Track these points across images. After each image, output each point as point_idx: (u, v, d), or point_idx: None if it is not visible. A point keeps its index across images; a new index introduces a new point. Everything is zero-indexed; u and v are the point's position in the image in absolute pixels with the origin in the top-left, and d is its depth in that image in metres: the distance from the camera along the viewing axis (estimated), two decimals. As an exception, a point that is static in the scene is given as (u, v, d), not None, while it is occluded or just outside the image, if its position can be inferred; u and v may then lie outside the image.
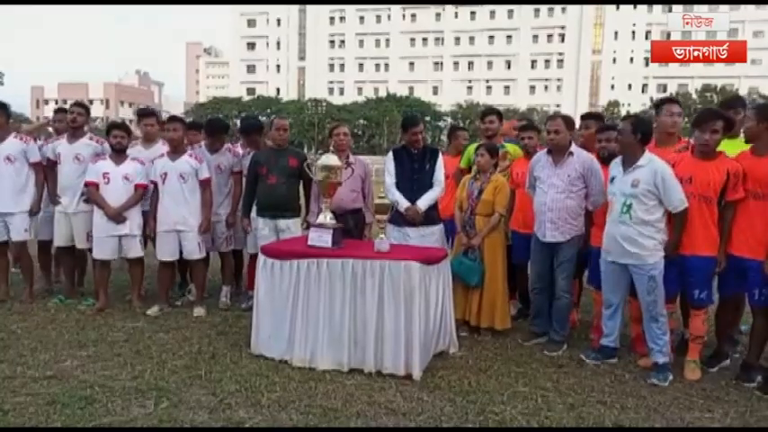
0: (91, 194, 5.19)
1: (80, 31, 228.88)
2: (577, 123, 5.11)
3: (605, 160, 4.39)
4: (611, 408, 3.46)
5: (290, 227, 4.96)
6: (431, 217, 4.77)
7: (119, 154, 5.23)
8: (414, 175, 4.78)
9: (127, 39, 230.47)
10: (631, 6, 67.18)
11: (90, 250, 5.42)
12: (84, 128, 5.55)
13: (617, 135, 4.10)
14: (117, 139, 5.21)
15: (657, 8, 67.36)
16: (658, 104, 5.03)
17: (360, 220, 5.03)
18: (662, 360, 3.94)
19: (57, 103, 51.11)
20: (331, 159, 4.38)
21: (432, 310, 4.02)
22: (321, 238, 4.13)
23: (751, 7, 58.46)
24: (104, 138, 5.47)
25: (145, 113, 5.97)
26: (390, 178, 4.82)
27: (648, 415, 3.39)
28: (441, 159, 4.86)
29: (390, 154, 4.94)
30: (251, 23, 78.77)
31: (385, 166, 4.91)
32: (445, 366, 4.04)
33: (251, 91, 72.28)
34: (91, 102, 63.42)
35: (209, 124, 5.78)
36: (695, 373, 3.95)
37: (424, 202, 4.70)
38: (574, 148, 4.41)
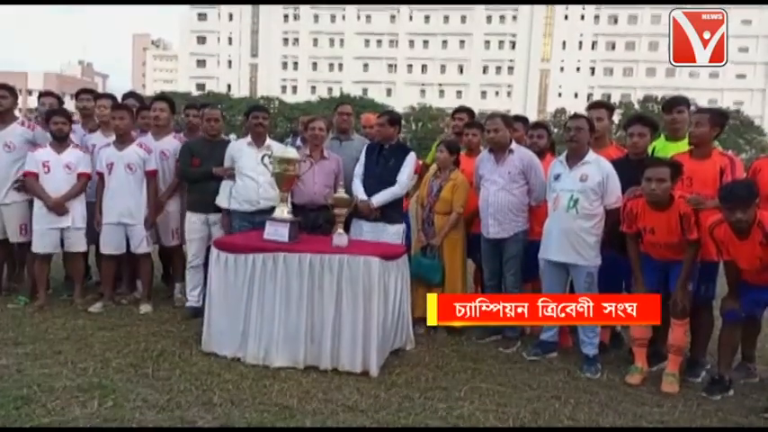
0: (29, 185, 4.90)
1: (19, 18, 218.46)
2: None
3: (536, 155, 4.56)
4: (565, 403, 3.51)
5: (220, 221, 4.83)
6: (389, 215, 4.72)
7: (60, 142, 4.95)
8: (376, 170, 4.75)
9: (70, 28, 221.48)
10: (579, 17, 69.28)
11: (22, 244, 5.10)
12: (16, 113, 5.22)
13: (574, 131, 4.12)
14: (58, 126, 4.92)
15: (604, 19, 69.76)
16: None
17: (331, 215, 4.94)
18: (593, 352, 4.10)
19: (-8, 91, 48.11)
20: (289, 152, 4.29)
21: (390, 306, 3.97)
22: (277, 232, 4.02)
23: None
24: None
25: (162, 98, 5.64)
26: (358, 168, 4.84)
27: (602, 409, 3.46)
28: (409, 159, 4.79)
29: (365, 147, 4.95)
30: (201, 17, 76.78)
31: None
32: (402, 363, 4.01)
33: (201, 86, 70.27)
34: (30, 92, 60.40)
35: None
36: (673, 386, 3.79)
37: (377, 198, 4.67)
38: (514, 145, 4.51)
